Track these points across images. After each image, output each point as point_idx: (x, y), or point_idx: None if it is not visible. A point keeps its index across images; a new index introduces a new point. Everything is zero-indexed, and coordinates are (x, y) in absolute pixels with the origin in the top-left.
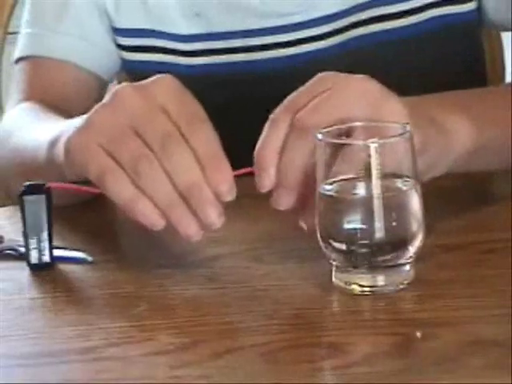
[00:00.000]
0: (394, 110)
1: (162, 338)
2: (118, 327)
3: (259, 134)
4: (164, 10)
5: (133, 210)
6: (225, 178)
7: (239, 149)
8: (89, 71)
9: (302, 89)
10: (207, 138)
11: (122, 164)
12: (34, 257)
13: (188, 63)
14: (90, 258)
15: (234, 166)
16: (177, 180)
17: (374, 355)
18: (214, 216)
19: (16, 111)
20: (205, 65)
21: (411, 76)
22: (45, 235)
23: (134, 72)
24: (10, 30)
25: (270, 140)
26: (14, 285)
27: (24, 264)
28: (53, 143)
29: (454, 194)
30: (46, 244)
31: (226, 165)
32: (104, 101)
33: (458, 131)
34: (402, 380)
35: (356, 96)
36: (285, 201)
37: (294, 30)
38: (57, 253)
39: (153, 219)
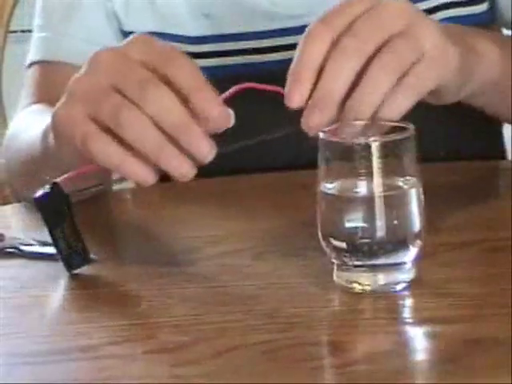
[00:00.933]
0: (429, 27)
1: (162, 337)
2: (119, 325)
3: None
4: (173, 12)
5: (122, 171)
6: (214, 105)
7: (249, 153)
8: None
9: (338, 7)
10: (188, 71)
11: (103, 122)
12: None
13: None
14: (95, 257)
15: (247, 167)
16: (162, 122)
17: (375, 354)
18: (206, 149)
19: (24, 114)
20: (214, 67)
21: None
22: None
23: None
24: (11, 28)
25: (309, 55)
26: (15, 283)
27: (25, 262)
28: (45, 133)
29: (456, 193)
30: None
31: (211, 92)
32: (82, 68)
33: (488, 55)
34: (402, 379)
35: (394, 16)
36: (318, 123)
37: (301, 33)
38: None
39: (143, 175)
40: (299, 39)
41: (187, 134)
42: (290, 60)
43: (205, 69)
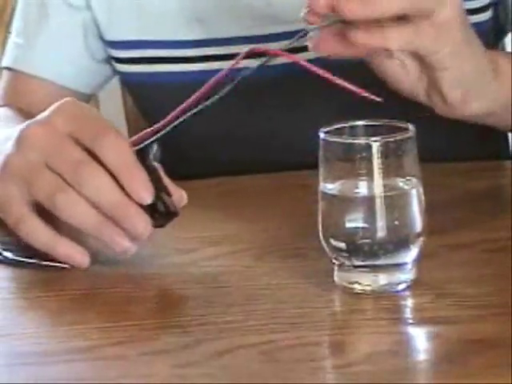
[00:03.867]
0: None
1: (163, 337)
2: (120, 326)
3: (268, 138)
4: (163, 18)
5: (55, 255)
6: (141, 185)
7: (249, 153)
8: (65, 87)
9: None
10: (115, 150)
11: (40, 202)
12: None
13: (189, 70)
14: (66, 265)
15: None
16: (99, 203)
17: (376, 354)
18: (142, 226)
19: None
20: (206, 71)
21: None
22: None
23: (133, 83)
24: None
25: None
26: (14, 284)
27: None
28: None
29: (457, 193)
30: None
31: (138, 170)
32: (12, 143)
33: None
34: (403, 379)
35: None
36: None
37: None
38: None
39: (76, 258)
40: (295, 44)
41: (123, 213)
42: (286, 65)
43: (196, 73)
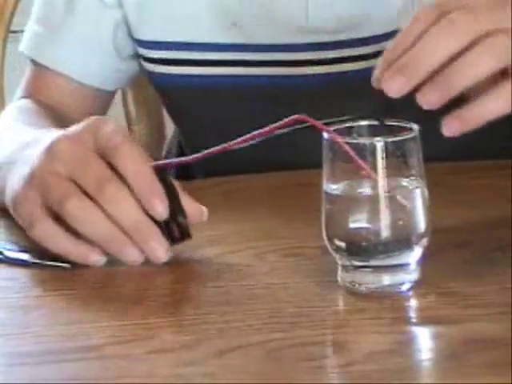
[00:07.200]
0: None
1: (165, 337)
2: (121, 325)
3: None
4: (196, 20)
5: (70, 258)
6: (158, 199)
7: (250, 154)
8: (87, 85)
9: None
10: (134, 161)
11: (52, 207)
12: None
13: (221, 73)
14: (67, 265)
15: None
16: (120, 221)
17: (377, 353)
18: (160, 252)
19: (11, 109)
20: (239, 76)
21: None
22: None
23: (161, 84)
24: (12, 28)
25: (408, 31)
26: (16, 283)
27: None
28: (8, 163)
29: (458, 192)
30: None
31: (156, 184)
32: (40, 154)
33: None
34: (404, 378)
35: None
36: (401, 88)
37: (335, 48)
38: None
39: (92, 259)
40: (332, 55)
41: (144, 236)
42: (318, 76)
43: (229, 77)
